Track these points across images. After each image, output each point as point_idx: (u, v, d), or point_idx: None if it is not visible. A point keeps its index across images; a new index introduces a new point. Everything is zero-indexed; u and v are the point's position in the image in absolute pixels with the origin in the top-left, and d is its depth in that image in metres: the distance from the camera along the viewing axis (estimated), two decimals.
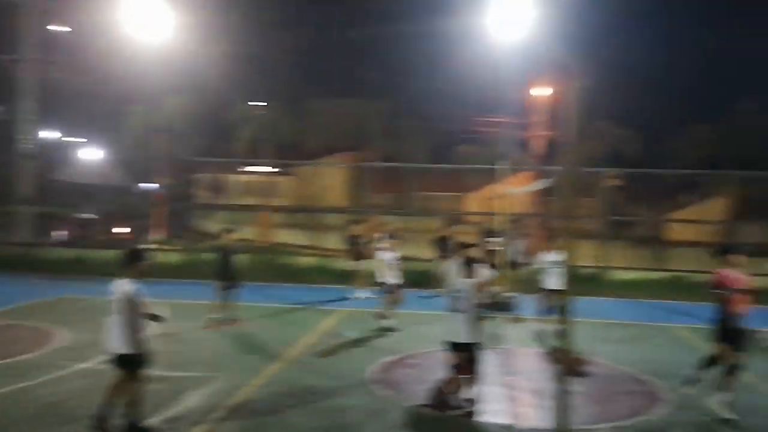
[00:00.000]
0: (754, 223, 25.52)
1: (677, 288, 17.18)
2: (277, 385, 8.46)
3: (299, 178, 36.34)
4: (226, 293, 11.75)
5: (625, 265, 20.23)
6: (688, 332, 11.93)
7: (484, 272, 7.70)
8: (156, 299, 6.66)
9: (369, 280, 15.57)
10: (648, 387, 8.82)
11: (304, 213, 25.29)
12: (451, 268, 8.68)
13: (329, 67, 35.91)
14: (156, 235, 23.63)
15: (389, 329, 11.69)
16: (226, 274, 11.77)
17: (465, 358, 7.37)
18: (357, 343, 10.96)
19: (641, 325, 12.99)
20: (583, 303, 14.10)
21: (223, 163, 31.39)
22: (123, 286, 6.46)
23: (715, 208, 22.56)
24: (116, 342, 6.46)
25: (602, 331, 12.23)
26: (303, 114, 32.10)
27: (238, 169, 34.46)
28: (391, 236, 12.62)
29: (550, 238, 11.92)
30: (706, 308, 7.87)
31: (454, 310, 7.39)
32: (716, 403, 7.58)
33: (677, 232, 24.77)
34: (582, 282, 17.50)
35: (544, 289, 11.25)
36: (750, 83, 30.09)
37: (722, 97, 26.84)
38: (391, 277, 12.05)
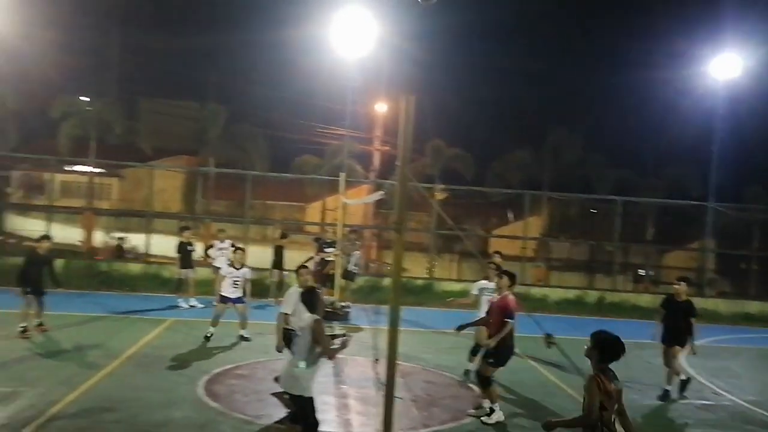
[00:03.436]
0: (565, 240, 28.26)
1: None
2: (94, 400, 7.83)
3: (128, 180, 34.20)
4: (29, 300, 10.92)
5: (452, 276, 21.44)
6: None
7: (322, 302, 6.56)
8: None
9: (198, 288, 15.00)
10: (471, 392, 9.32)
11: (135, 217, 23.83)
12: (292, 298, 8.13)
13: (169, 68, 34.39)
14: None
15: (207, 338, 11.21)
16: (28, 280, 10.90)
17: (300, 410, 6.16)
18: (185, 353, 10.47)
19: (467, 334, 13.59)
20: (413, 313, 14.78)
21: (41, 160, 28.53)
22: None
23: (533, 225, 24.54)
24: None
25: (431, 339, 12.82)
26: (136, 113, 30.22)
27: (65, 168, 31.38)
28: (235, 248, 12.06)
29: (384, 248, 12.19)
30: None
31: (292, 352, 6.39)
32: None
33: (500, 246, 26.64)
34: (414, 293, 18.24)
35: None
36: (563, 113, 33.70)
37: (539, 125, 29.50)
38: (227, 290, 11.50)
